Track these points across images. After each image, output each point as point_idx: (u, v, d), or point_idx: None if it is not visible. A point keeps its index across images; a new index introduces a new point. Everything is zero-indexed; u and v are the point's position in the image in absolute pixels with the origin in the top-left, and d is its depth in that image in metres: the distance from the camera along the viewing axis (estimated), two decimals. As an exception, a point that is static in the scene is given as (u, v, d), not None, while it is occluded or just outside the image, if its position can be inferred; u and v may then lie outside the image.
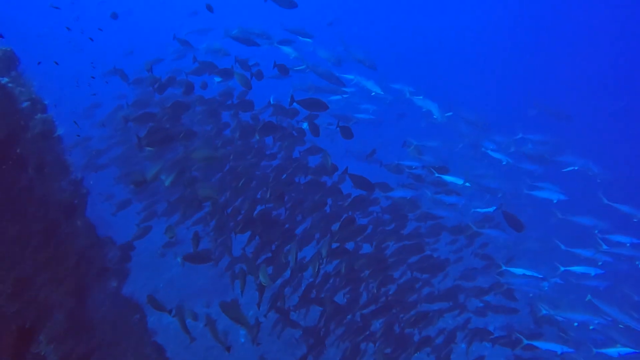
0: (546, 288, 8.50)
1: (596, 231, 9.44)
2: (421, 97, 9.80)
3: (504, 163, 9.80)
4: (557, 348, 7.25)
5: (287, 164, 6.98)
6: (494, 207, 8.57)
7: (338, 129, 6.38)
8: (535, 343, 7.13)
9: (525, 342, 6.99)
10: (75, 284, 4.32)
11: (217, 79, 7.44)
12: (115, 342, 4.90)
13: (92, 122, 10.29)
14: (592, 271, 8.84)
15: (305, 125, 7.57)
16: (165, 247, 7.64)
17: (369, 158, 8.70)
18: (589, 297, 8.17)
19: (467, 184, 7.99)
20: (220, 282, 9.95)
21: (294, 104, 5.96)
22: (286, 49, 8.98)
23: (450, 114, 10.52)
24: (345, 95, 10.43)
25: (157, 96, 7.48)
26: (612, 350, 7.53)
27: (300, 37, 10.00)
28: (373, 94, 9.27)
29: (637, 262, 9.27)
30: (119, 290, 5.95)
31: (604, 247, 8.95)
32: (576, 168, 10.59)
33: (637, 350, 7.41)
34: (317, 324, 6.21)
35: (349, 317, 6.62)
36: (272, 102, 7.61)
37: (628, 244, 9.23)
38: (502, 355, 9.30)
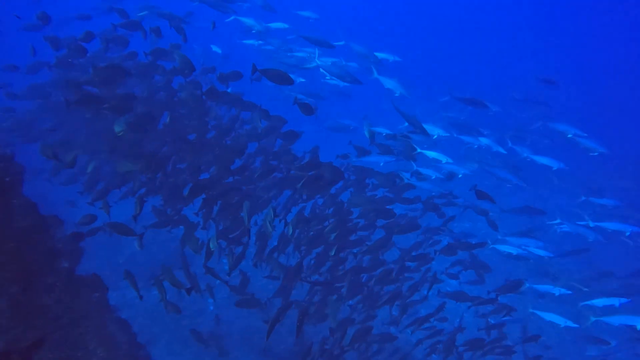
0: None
1: (583, 197, 10.21)
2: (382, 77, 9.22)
3: (494, 150, 9.65)
4: (555, 290, 7.71)
5: (230, 128, 6.71)
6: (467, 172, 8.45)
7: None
8: (536, 286, 7.56)
9: (527, 284, 7.23)
10: (17, 268, 4.02)
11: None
12: (72, 323, 4.69)
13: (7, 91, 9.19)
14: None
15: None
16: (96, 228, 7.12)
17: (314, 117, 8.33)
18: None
19: (450, 160, 7.79)
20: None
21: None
22: (248, 21, 8.38)
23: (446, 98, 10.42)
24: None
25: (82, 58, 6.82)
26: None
27: (263, 9, 9.44)
28: (328, 78, 8.42)
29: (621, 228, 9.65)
30: (72, 270, 5.65)
31: (591, 224, 9.36)
32: (570, 136, 10.66)
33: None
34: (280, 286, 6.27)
35: (316, 277, 6.71)
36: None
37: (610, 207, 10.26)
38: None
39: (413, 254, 7.23)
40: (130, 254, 10.36)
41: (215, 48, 11.34)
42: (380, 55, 10.40)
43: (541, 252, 8.02)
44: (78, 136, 7.41)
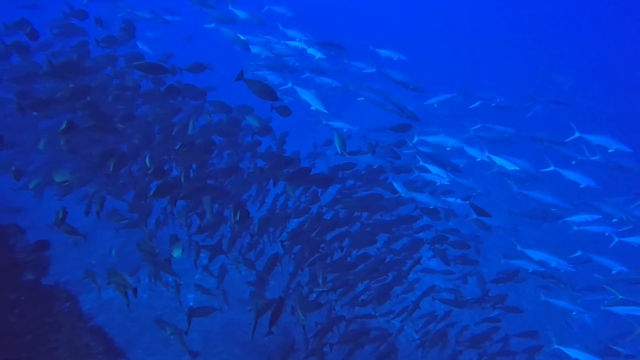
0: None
1: (614, 219, 9.10)
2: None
3: (510, 169, 8.70)
4: (573, 308, 7.84)
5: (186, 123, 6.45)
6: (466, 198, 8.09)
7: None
8: (553, 300, 7.70)
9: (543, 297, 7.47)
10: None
11: None
12: (39, 339, 4.45)
13: None
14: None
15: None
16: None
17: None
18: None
19: (447, 178, 7.42)
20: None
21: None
22: (227, 32, 7.82)
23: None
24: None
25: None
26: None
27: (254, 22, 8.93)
28: (313, 107, 7.66)
29: None
30: (37, 281, 5.35)
31: (616, 239, 8.70)
32: (611, 150, 9.06)
33: None
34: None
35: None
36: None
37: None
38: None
39: (396, 245, 7.21)
40: (102, 254, 10.04)
41: (148, 33, 10.65)
42: (383, 52, 9.96)
43: (562, 267, 7.58)
44: (27, 137, 6.93)
